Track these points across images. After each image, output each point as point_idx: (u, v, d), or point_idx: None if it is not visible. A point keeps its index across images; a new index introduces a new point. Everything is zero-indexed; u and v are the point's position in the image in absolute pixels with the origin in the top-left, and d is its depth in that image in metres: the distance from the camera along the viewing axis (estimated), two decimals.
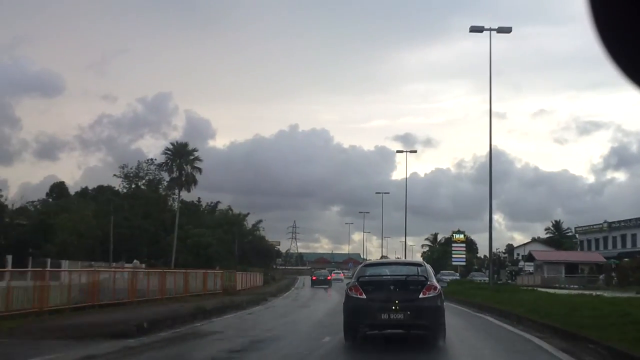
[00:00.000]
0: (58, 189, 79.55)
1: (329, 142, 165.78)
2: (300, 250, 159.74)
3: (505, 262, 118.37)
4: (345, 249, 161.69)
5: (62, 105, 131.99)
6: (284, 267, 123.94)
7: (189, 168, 66.10)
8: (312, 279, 62.16)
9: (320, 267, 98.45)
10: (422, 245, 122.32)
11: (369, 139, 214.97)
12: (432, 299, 12.59)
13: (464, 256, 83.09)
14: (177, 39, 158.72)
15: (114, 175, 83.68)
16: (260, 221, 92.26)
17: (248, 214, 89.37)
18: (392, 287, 12.87)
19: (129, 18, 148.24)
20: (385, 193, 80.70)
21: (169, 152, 66.04)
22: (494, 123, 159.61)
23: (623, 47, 1.81)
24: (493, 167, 32.22)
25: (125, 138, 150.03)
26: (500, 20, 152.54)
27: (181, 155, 65.21)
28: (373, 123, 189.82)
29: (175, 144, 66.76)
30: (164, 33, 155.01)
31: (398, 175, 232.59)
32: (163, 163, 66.46)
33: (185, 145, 66.61)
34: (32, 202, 74.20)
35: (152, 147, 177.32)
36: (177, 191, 67.75)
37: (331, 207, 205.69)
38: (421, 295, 12.53)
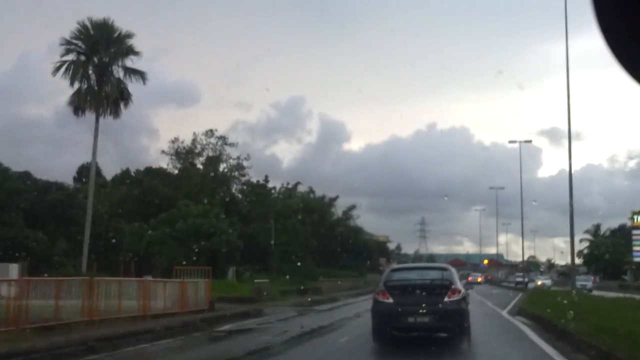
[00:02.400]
0: (87, 171, 62.04)
1: (469, 140, 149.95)
2: (441, 253, 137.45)
3: None
4: (490, 251, 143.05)
5: (197, 114, 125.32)
6: None
7: (118, 71, 36.66)
8: None
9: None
10: (581, 240, 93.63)
11: (512, 136, 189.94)
12: (457, 302, 12.98)
13: None
14: (310, 41, 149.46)
15: (162, 152, 65.73)
16: (352, 207, 69.67)
17: (337, 197, 67.45)
18: (417, 291, 13.24)
19: (261, 25, 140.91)
20: (525, 141, 58.47)
21: (76, 41, 35.54)
22: None
23: (628, 48, 1.81)
24: None
25: (260, 144, 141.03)
26: None
27: (101, 46, 35.41)
28: (516, 118, 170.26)
29: (90, 23, 35.30)
30: (297, 36, 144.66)
31: (545, 172, 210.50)
32: (61, 64, 35.90)
33: (108, 26, 35.42)
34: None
35: (287, 152, 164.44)
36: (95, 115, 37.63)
37: (473, 207, 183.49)
38: (446, 299, 12.91)
